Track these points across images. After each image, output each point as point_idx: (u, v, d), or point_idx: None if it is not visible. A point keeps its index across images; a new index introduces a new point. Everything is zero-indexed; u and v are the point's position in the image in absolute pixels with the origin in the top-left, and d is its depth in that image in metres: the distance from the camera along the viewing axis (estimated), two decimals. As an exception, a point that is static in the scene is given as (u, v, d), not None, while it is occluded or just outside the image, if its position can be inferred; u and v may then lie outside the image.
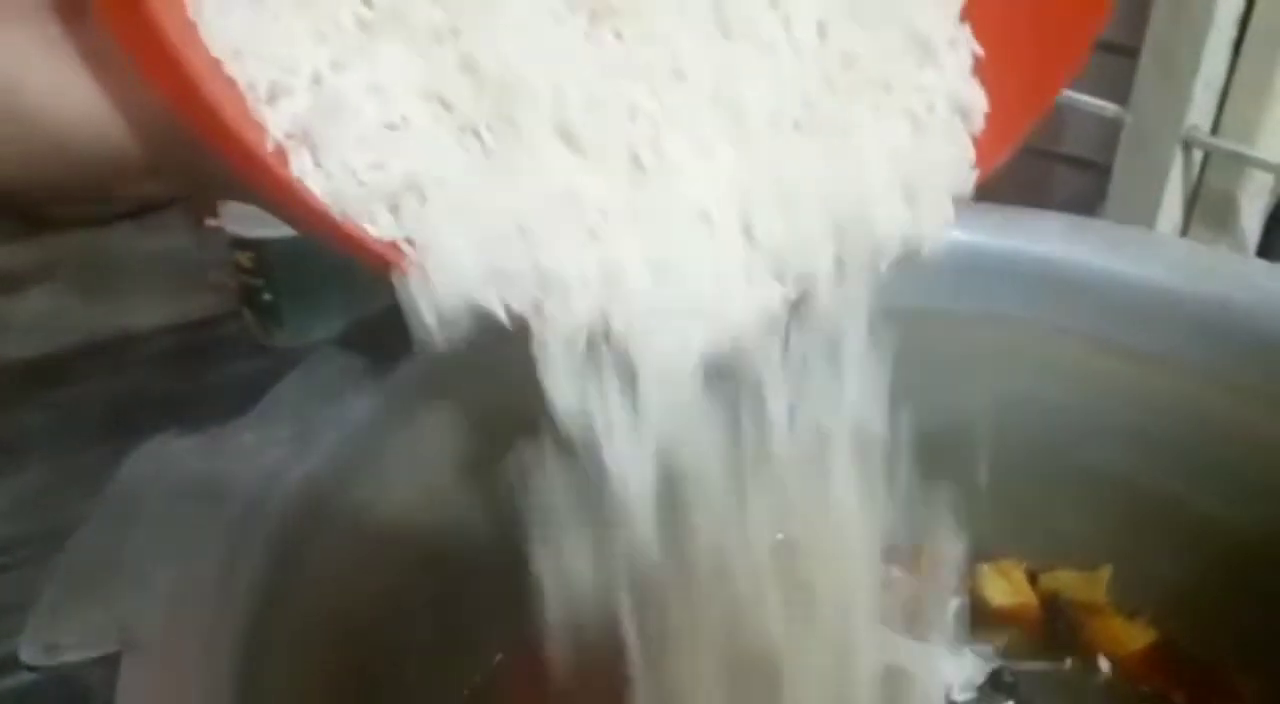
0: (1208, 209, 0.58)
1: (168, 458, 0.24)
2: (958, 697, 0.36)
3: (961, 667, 0.37)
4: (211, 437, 0.25)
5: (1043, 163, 0.70)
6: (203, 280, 0.72)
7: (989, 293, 0.38)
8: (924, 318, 0.39)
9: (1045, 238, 0.37)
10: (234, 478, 0.24)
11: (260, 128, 0.20)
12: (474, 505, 0.32)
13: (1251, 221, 0.57)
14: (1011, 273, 0.37)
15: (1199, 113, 0.55)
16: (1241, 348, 0.35)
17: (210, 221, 0.72)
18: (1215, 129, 0.55)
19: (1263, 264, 0.38)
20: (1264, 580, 0.36)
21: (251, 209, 0.80)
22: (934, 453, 0.41)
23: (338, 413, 0.28)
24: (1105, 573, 0.39)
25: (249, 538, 0.24)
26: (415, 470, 0.30)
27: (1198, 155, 0.56)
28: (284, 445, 0.26)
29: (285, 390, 0.27)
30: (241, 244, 0.68)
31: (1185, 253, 0.37)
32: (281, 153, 0.20)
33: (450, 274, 0.20)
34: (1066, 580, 0.39)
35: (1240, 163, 0.55)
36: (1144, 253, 0.37)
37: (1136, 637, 0.37)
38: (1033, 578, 0.40)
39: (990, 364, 0.39)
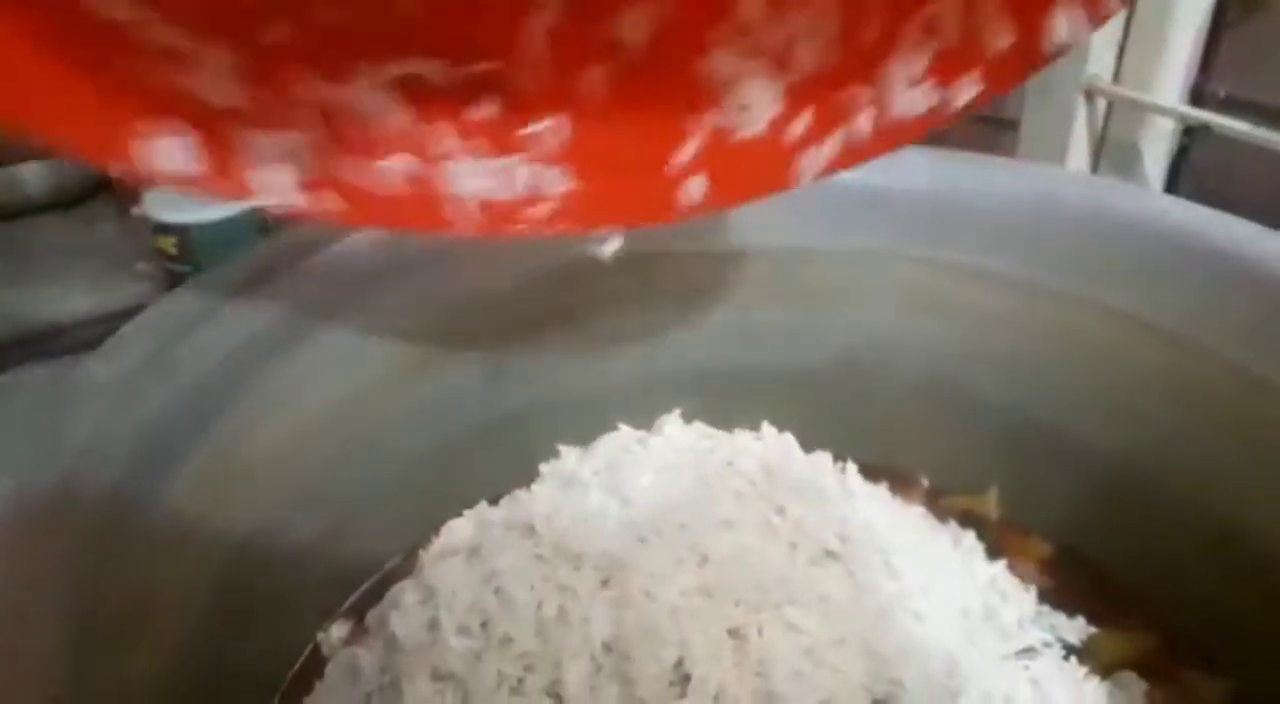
0: (1113, 156, 0.59)
1: (16, 388, 0.24)
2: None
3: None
4: (63, 365, 0.25)
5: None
6: (129, 269, 0.71)
7: (865, 228, 0.38)
8: (805, 256, 0.40)
9: (916, 171, 0.38)
10: (80, 405, 0.24)
11: None
12: (352, 443, 0.33)
13: (1155, 166, 0.58)
14: (885, 207, 0.38)
15: (1099, 62, 0.56)
16: (1113, 273, 0.36)
17: (135, 210, 0.72)
18: (1116, 78, 0.56)
19: (1133, 188, 0.39)
20: (1144, 494, 0.36)
21: (175, 194, 0.79)
22: (823, 387, 0.42)
23: (197, 345, 0.28)
24: (991, 494, 0.40)
25: (95, 460, 0.23)
26: (285, 406, 0.30)
27: (1101, 104, 0.57)
28: (137, 376, 0.26)
29: (143, 323, 0.27)
30: (164, 229, 0.67)
31: (1054, 180, 0.37)
32: None
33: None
34: (961, 504, 0.39)
35: (1141, 110, 0.56)
36: (1013, 182, 0.37)
37: (1031, 550, 0.38)
38: (935, 499, 0.40)
39: (870, 299, 0.39)
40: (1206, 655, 0.35)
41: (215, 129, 0.22)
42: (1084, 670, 0.32)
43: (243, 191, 0.23)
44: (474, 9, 0.27)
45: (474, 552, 0.29)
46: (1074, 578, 0.37)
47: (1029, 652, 0.32)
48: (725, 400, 0.41)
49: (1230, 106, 0.55)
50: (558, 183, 0.27)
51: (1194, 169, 0.59)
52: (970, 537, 0.34)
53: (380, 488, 0.34)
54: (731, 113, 0.28)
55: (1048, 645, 0.32)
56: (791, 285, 0.40)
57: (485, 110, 0.27)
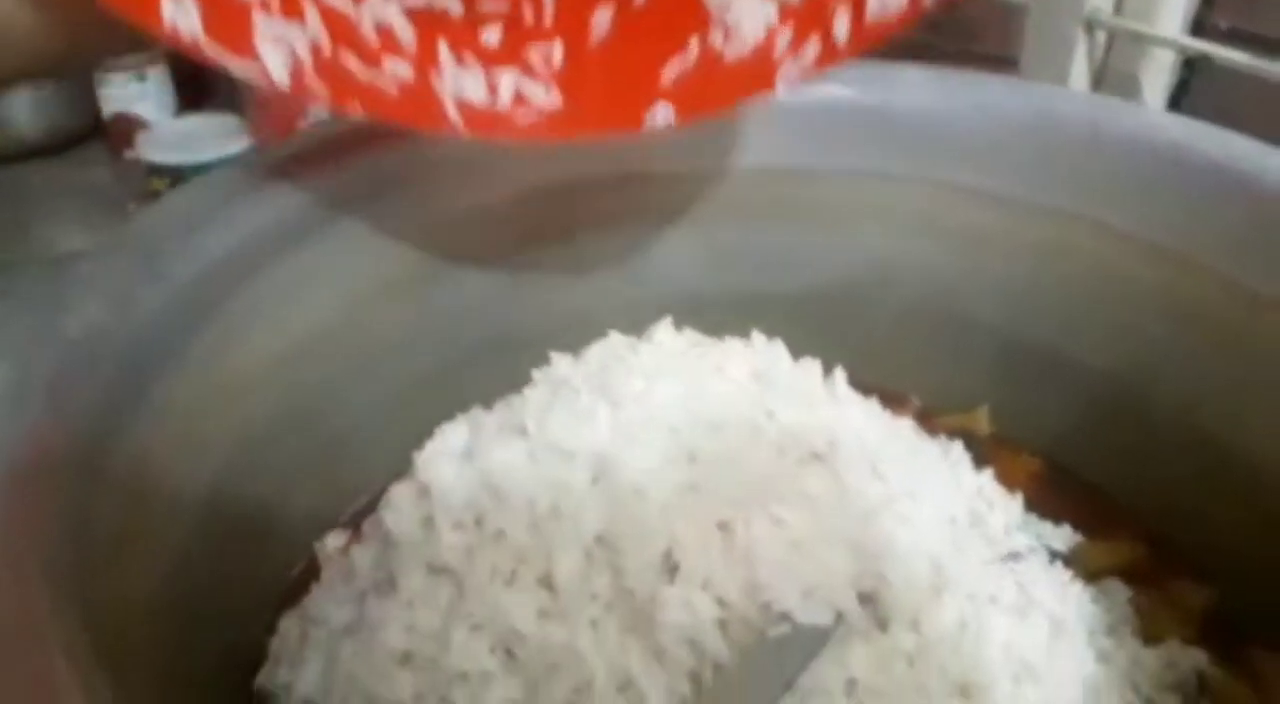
0: (1113, 90, 0.58)
1: (8, 290, 0.24)
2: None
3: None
4: (58, 265, 0.25)
5: (955, 63, 0.70)
6: (122, 212, 0.72)
7: (863, 149, 0.38)
8: (803, 177, 0.40)
9: (914, 91, 0.38)
10: (71, 304, 0.25)
11: None
12: (345, 357, 0.33)
13: (1155, 100, 0.58)
14: (882, 127, 0.38)
15: (1099, -6, 0.55)
16: (1108, 190, 0.36)
17: (128, 152, 0.72)
18: (1117, 9, 0.56)
19: (1129, 105, 0.38)
20: (1135, 411, 0.37)
21: (168, 135, 0.79)
22: (818, 308, 0.42)
23: (190, 249, 0.28)
24: (983, 412, 0.40)
25: (85, 359, 0.24)
26: (277, 317, 0.31)
27: (1101, 37, 0.57)
28: (129, 275, 0.26)
29: (138, 224, 0.27)
30: (157, 171, 0.67)
31: (1050, 98, 0.37)
32: None
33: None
34: (952, 422, 0.40)
35: (1141, 42, 0.56)
36: (1010, 100, 0.37)
37: (1021, 466, 0.38)
38: (926, 418, 0.40)
39: (867, 219, 0.39)
40: (1192, 566, 0.35)
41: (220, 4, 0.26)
42: (1069, 575, 0.33)
43: (247, 60, 0.26)
44: None
45: (467, 453, 0.30)
46: (1063, 492, 0.37)
47: (1014, 556, 0.32)
48: (720, 321, 0.41)
49: (1232, 39, 0.55)
50: (544, 95, 0.28)
51: (1194, 103, 0.59)
52: (958, 447, 0.35)
53: (375, 403, 0.35)
54: (720, 35, 0.29)
55: (1033, 551, 0.33)
56: (788, 206, 0.40)
57: (490, 36, 0.29)
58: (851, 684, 0.27)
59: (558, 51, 0.29)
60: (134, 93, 0.71)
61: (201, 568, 0.29)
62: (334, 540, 0.34)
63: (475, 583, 0.27)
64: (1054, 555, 0.34)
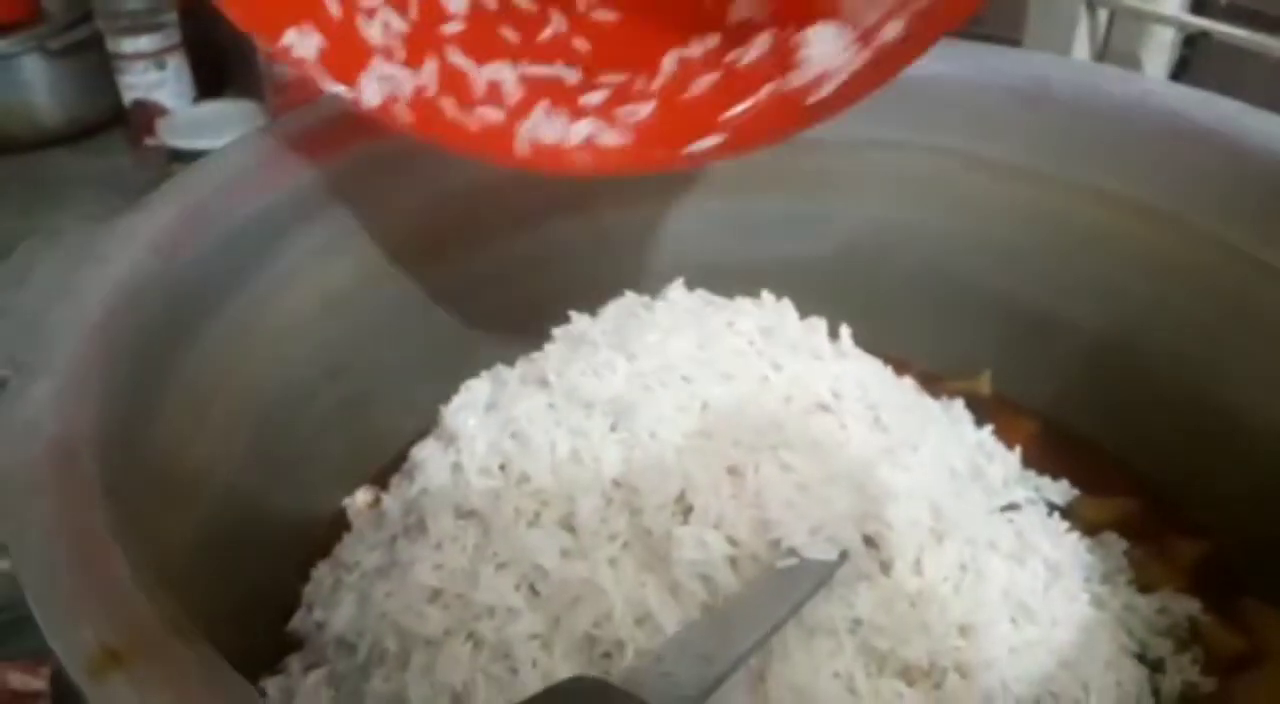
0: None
1: (60, 239, 0.26)
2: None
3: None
4: (101, 222, 0.27)
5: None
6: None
7: (865, 117, 0.38)
8: (806, 145, 0.41)
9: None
10: (119, 250, 0.26)
11: None
12: (374, 316, 0.34)
13: (1156, 76, 0.59)
14: (884, 96, 0.38)
15: (1101, -27, 0.56)
16: (1100, 155, 0.37)
17: (148, 140, 0.73)
18: (1117, -12, 0.57)
19: (1120, 71, 0.39)
20: (1129, 370, 0.38)
21: (188, 121, 0.80)
22: (823, 276, 0.44)
23: (232, 203, 0.30)
24: (985, 378, 0.41)
25: (131, 301, 0.25)
26: (311, 274, 0.32)
27: (1102, 15, 0.58)
28: (171, 227, 0.27)
29: (183, 179, 0.29)
30: (179, 156, 0.69)
31: (1048, 67, 0.38)
32: None
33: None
34: (955, 386, 0.41)
35: (1142, 19, 0.56)
36: (1008, 68, 0.38)
37: (1021, 426, 0.39)
38: (929, 382, 0.40)
39: (870, 187, 0.40)
40: (1186, 520, 0.37)
41: (343, 42, 0.31)
42: (1066, 525, 0.34)
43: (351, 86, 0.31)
44: (639, 44, 0.32)
45: (492, 404, 0.31)
46: (1061, 450, 0.39)
47: (1013, 507, 0.34)
48: (728, 288, 0.42)
49: (1231, 15, 0.56)
50: (613, 140, 0.31)
51: (1194, 80, 0.60)
52: (959, 405, 0.36)
53: (400, 361, 0.36)
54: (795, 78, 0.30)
55: (1032, 503, 0.34)
56: (793, 175, 0.41)
57: (594, 97, 0.32)
58: (856, 623, 0.28)
59: (648, 108, 0.31)
60: (153, 80, 0.73)
61: (237, 516, 0.31)
62: (363, 496, 0.36)
63: (501, 524, 0.28)
64: (1051, 508, 0.35)
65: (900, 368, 0.41)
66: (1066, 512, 0.36)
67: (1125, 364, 0.38)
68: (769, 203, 0.41)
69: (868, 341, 0.42)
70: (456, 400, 0.32)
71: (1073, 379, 0.40)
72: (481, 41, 0.33)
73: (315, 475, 0.35)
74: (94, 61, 0.73)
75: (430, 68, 0.32)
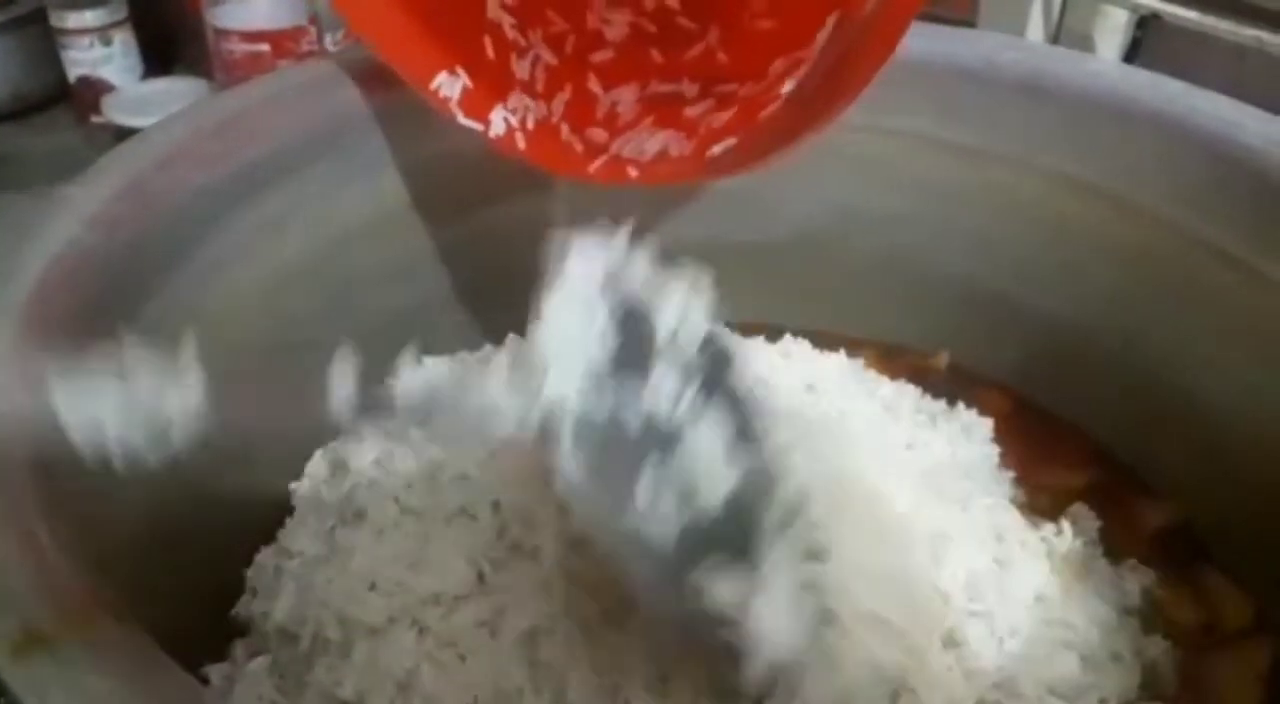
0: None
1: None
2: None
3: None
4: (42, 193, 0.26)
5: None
6: (92, 176, 0.71)
7: None
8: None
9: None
10: (55, 226, 0.26)
11: None
12: (323, 294, 0.34)
13: (1109, 58, 0.59)
14: None
15: (1055, -45, 0.57)
16: (1052, 136, 0.37)
17: (94, 117, 0.72)
18: (1072, -30, 0.57)
19: (1070, 53, 0.40)
20: (1085, 351, 0.39)
21: (136, 99, 0.79)
22: (780, 259, 0.43)
23: (174, 179, 0.29)
24: (942, 358, 0.42)
25: (67, 277, 0.25)
26: (257, 251, 0.31)
27: (1056, -1, 0.58)
28: (111, 201, 0.27)
29: (122, 152, 0.28)
30: (126, 135, 0.67)
31: (1001, 48, 0.38)
32: None
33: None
34: (912, 363, 0.41)
35: (1095, 1, 0.57)
36: (962, 49, 0.38)
37: (983, 402, 0.39)
38: (887, 359, 0.41)
39: (825, 170, 0.40)
40: (1147, 492, 0.38)
41: (489, 80, 0.34)
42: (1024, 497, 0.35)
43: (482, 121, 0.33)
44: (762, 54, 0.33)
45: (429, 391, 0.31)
46: (1024, 425, 0.39)
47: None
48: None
49: (1182, -1, 0.56)
50: (677, 151, 0.33)
51: (1146, 61, 0.60)
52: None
53: (353, 342, 0.35)
54: None
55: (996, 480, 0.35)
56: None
57: (698, 109, 0.33)
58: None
59: (726, 116, 0.32)
60: (99, 56, 0.71)
61: (179, 498, 0.30)
62: (309, 478, 0.35)
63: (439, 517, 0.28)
64: (1016, 482, 0.36)
65: (855, 347, 0.41)
66: (1029, 485, 0.36)
67: (1082, 344, 0.39)
68: (728, 185, 0.41)
69: (825, 322, 0.42)
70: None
71: (1031, 358, 0.40)
72: (622, 66, 0.35)
73: (261, 458, 0.34)
74: (38, 37, 0.71)
75: (562, 97, 0.34)
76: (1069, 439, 0.39)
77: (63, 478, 0.24)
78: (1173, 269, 0.36)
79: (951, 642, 0.29)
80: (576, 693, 0.26)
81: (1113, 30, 0.58)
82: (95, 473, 0.26)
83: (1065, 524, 0.34)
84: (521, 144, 0.33)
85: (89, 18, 0.69)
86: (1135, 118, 0.35)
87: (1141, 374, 0.38)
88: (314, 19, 0.61)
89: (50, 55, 0.71)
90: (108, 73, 0.71)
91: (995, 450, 0.36)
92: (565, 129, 0.33)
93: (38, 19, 0.70)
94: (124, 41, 0.71)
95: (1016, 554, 0.31)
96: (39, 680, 0.18)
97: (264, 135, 0.32)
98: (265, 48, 0.59)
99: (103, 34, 0.70)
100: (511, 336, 0.37)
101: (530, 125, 0.33)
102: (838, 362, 0.38)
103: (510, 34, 0.34)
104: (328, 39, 0.63)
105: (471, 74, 0.33)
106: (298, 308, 0.34)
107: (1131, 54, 0.60)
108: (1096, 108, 0.36)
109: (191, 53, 0.72)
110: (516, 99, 0.33)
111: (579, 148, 0.33)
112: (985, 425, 0.36)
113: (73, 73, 0.71)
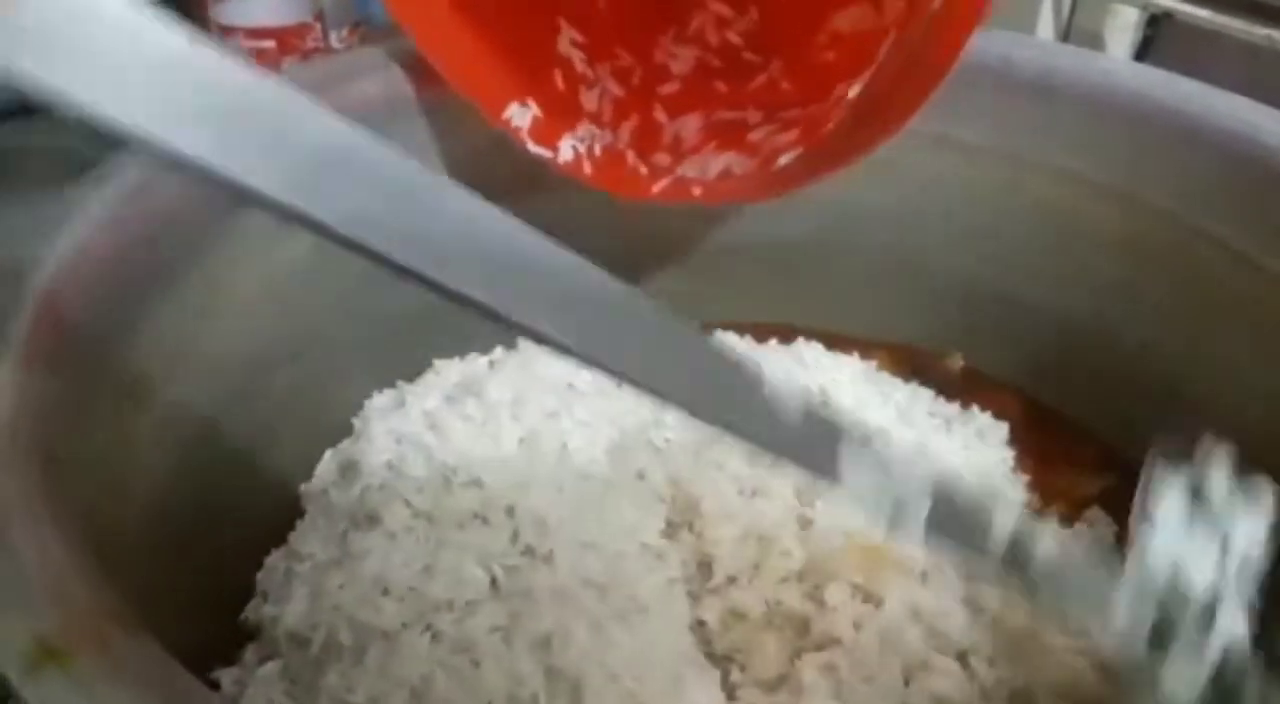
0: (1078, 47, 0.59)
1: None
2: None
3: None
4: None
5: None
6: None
7: None
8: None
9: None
10: (65, 226, 0.25)
11: None
12: (331, 295, 0.34)
13: (1119, 57, 0.59)
14: None
15: (1065, -48, 0.56)
16: (1063, 134, 0.37)
17: (100, 115, 0.71)
18: (1082, -33, 0.57)
19: (1081, 51, 0.39)
20: (1094, 350, 0.38)
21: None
22: (786, 259, 0.43)
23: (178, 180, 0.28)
24: (957, 357, 0.41)
25: (74, 277, 0.25)
26: (265, 250, 0.31)
27: (1066, -5, 0.58)
28: (118, 203, 0.27)
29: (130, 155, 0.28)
30: (131, 133, 0.67)
31: (1010, 46, 0.38)
32: None
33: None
34: (924, 365, 0.41)
35: (1105, 0, 0.57)
36: (987, 49, 0.37)
37: (992, 403, 0.39)
38: (899, 362, 0.41)
39: (843, 171, 0.40)
40: None
41: (558, 110, 0.35)
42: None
43: (552, 149, 0.35)
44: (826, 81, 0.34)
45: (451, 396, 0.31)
46: (1037, 427, 0.39)
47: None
48: (695, 274, 0.42)
49: (1194, -4, 0.56)
50: (739, 170, 0.33)
51: (1157, 60, 0.60)
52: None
53: (362, 342, 0.35)
54: None
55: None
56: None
57: (761, 134, 0.34)
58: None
59: (790, 136, 0.33)
60: (103, 54, 0.71)
61: (190, 500, 0.30)
62: (319, 480, 0.35)
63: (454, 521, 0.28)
64: (1030, 487, 0.36)
65: (868, 349, 0.41)
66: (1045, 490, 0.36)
67: (1094, 345, 0.38)
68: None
69: (838, 323, 0.42)
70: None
71: (1044, 362, 0.40)
72: (688, 96, 0.36)
73: (271, 460, 0.34)
74: (41, 33, 0.70)
75: (628, 126, 0.35)
76: (1083, 443, 0.39)
77: (72, 480, 0.24)
78: (1187, 271, 0.35)
79: (963, 652, 0.29)
80: (592, 699, 0.26)
81: (1123, 28, 0.58)
82: (105, 475, 0.26)
83: (1082, 529, 0.34)
84: (588, 170, 0.34)
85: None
86: (1149, 117, 0.35)
87: (1156, 377, 0.37)
88: (319, 16, 0.60)
89: (54, 53, 0.71)
90: (111, 71, 0.71)
91: (1010, 455, 0.36)
92: (631, 155, 0.35)
93: (41, 16, 0.70)
94: (128, 39, 0.71)
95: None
96: (53, 695, 0.18)
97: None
98: (270, 44, 0.59)
99: (106, 31, 0.70)
100: (521, 342, 0.37)
101: (597, 152, 0.35)
102: (851, 366, 0.38)
103: (580, 68, 0.36)
104: (333, 36, 0.63)
105: (541, 105, 0.34)
106: (306, 308, 0.34)
107: (1142, 52, 0.60)
108: (1110, 107, 0.36)
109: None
110: (584, 128, 0.35)
111: (643, 171, 0.34)
112: (1000, 429, 0.36)
113: (76, 70, 0.71)
